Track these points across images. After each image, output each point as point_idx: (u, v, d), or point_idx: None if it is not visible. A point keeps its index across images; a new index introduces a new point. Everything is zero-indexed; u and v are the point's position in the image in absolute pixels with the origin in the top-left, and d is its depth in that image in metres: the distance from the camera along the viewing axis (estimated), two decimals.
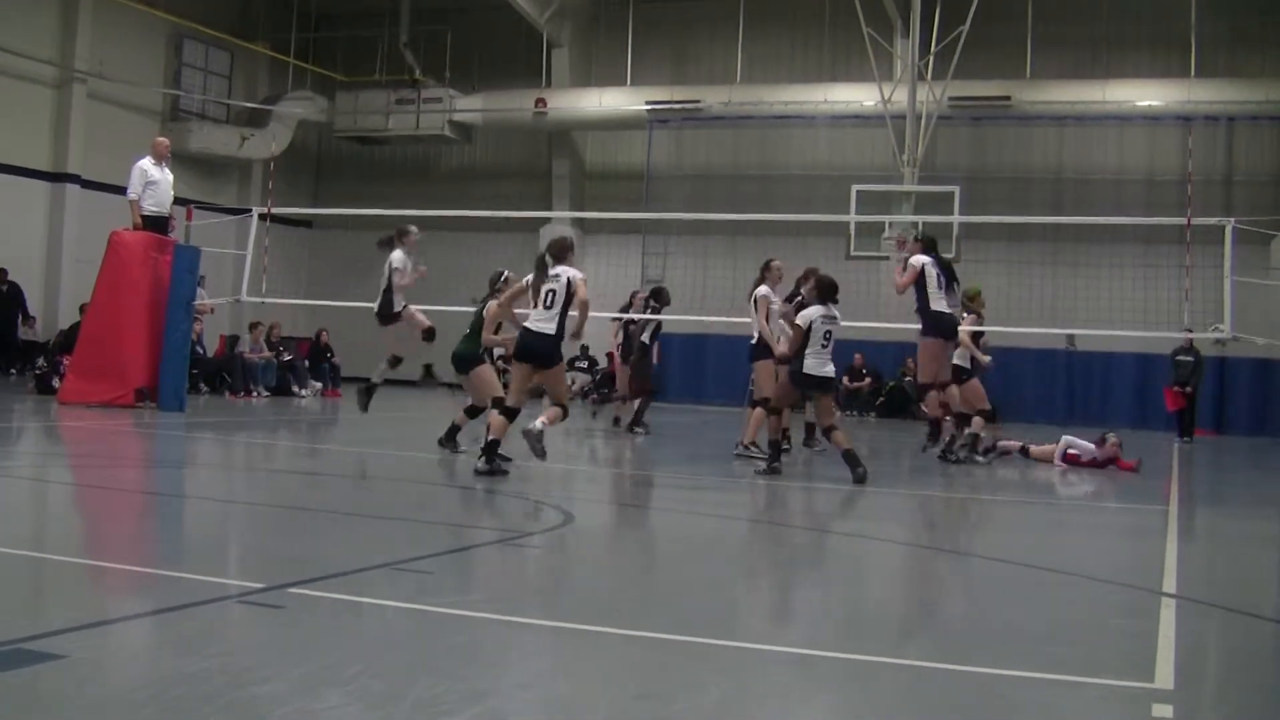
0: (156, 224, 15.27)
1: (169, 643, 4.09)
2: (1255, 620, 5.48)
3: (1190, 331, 17.26)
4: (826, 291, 10.75)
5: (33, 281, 23.72)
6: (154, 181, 15.12)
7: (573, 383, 26.73)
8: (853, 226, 21.03)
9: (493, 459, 9.32)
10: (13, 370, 22.26)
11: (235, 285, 17.65)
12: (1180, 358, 19.56)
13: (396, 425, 17.20)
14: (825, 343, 10.54)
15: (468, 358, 11.02)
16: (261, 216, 16.77)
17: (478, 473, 9.31)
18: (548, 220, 27.33)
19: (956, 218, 20.31)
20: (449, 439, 11.27)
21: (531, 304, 9.53)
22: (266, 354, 20.84)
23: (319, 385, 21.99)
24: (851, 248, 21.16)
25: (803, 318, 10.63)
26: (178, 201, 15.88)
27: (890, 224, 20.69)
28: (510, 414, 9.48)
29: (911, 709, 3.84)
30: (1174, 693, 3.99)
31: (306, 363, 22.28)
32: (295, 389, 21.12)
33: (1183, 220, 15.98)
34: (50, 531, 6.74)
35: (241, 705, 3.33)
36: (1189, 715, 3.84)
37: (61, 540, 6.40)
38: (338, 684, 3.58)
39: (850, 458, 10.32)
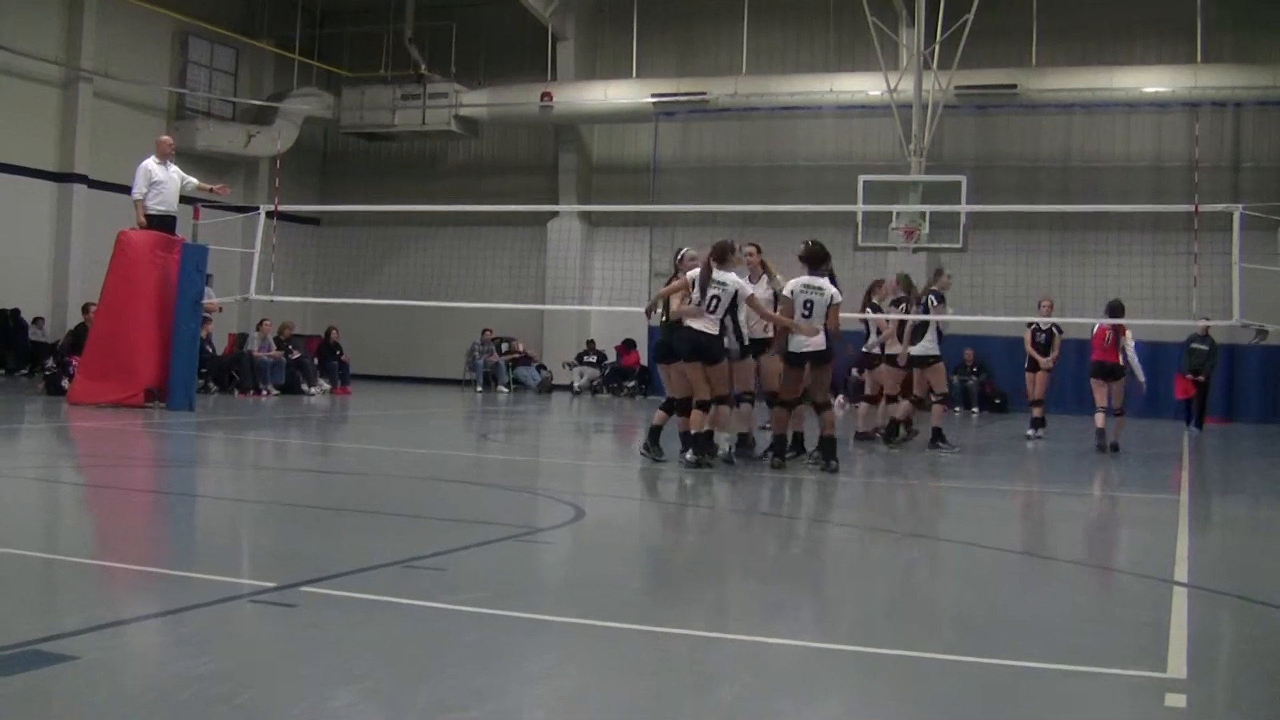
0: (163, 223, 15.28)
1: (181, 643, 4.10)
2: (1268, 609, 5.45)
3: (1207, 319, 17.13)
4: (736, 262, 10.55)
5: (40, 282, 23.76)
6: (159, 181, 15.13)
7: (580, 375, 26.79)
8: (860, 217, 21.01)
9: (710, 450, 10.38)
10: (22, 371, 22.33)
11: (243, 283, 17.64)
12: (1195, 345, 19.28)
13: (405, 424, 17.24)
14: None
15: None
16: (269, 214, 16.76)
17: (731, 462, 10.46)
18: (555, 214, 27.36)
19: (964, 207, 20.27)
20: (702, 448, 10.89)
21: (696, 304, 10.09)
22: (275, 352, 20.86)
23: (327, 385, 21.98)
24: (859, 238, 21.15)
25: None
26: (185, 200, 15.87)
27: (898, 214, 20.69)
28: (704, 406, 10.31)
29: (923, 701, 3.83)
30: (1186, 682, 3.99)
31: (315, 360, 22.25)
32: (304, 387, 21.11)
33: (1191, 207, 15.87)
34: (62, 532, 6.76)
35: (253, 705, 3.34)
36: (1201, 705, 3.83)
37: (73, 541, 6.43)
38: (349, 682, 3.59)
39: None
